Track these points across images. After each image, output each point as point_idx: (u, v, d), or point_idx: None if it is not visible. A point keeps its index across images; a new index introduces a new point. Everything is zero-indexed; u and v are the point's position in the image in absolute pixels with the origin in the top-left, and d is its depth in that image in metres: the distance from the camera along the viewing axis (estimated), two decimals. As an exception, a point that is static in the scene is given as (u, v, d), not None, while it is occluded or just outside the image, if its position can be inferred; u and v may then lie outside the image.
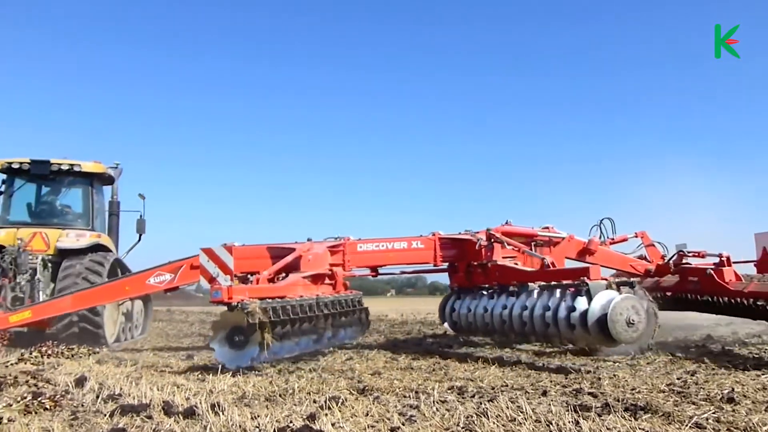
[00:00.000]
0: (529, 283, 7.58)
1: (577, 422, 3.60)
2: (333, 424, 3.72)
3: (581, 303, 6.46)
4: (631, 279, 7.08)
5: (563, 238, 9.23)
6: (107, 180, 11.94)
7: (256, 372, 6.39)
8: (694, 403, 4.20)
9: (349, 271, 9.23)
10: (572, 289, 6.74)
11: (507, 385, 5.26)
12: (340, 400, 4.40)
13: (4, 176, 11.14)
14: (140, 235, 12.48)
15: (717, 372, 5.92)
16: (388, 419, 3.88)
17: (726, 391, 4.52)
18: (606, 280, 6.60)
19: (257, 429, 3.68)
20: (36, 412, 4.13)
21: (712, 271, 7.82)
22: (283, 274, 8.28)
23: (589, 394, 4.69)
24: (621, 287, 6.54)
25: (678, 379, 5.46)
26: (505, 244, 8.71)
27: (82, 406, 4.48)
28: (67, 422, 3.99)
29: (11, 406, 4.16)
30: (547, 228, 9.48)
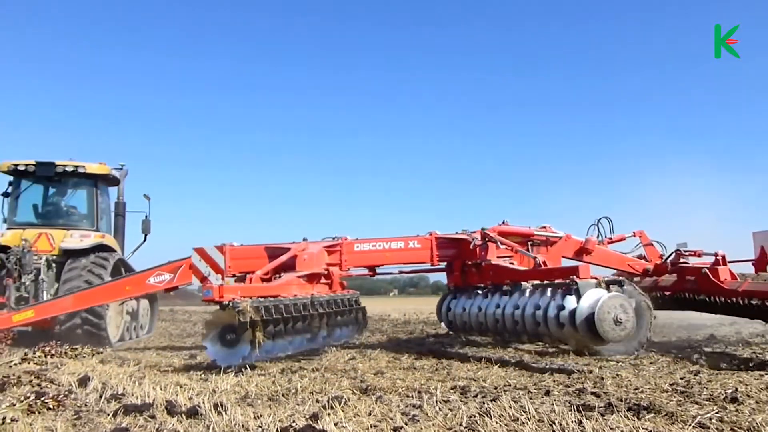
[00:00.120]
0: (522, 283, 7.61)
1: (580, 422, 3.59)
2: (336, 424, 3.72)
3: (570, 302, 6.47)
4: (620, 278, 7.05)
5: (560, 238, 9.21)
6: (112, 181, 12.07)
7: (259, 372, 6.40)
8: (697, 403, 4.19)
9: (346, 270, 9.29)
10: (562, 288, 6.76)
11: (510, 385, 5.26)
12: (343, 400, 4.40)
13: (11, 178, 11.30)
14: (145, 236, 12.65)
15: (720, 372, 5.91)
16: (391, 419, 3.88)
17: (729, 391, 4.51)
18: (595, 278, 6.58)
19: (260, 429, 3.68)
20: (39, 412, 4.13)
21: (707, 270, 7.82)
22: (280, 274, 8.32)
23: (592, 393, 4.68)
24: (610, 286, 6.53)
25: (681, 378, 5.45)
26: (499, 243, 8.71)
27: (86, 405, 4.49)
28: (70, 422, 4.00)
29: (14, 405, 4.16)
30: (544, 227, 9.47)
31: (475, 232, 9.09)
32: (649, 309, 7.72)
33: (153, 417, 4.08)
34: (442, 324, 9.75)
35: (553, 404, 4.17)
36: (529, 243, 9.27)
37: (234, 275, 8.79)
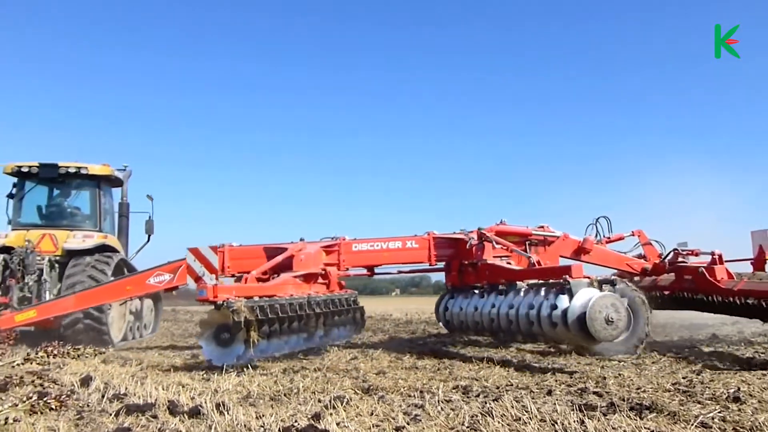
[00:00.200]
0: (518, 282, 7.63)
1: (583, 421, 3.59)
2: (338, 424, 3.72)
3: (563, 301, 6.48)
4: (613, 277, 7.04)
5: (557, 237, 9.21)
6: (115, 182, 12.19)
7: (261, 371, 6.40)
8: (699, 403, 4.18)
9: (344, 270, 9.33)
10: (555, 288, 6.77)
11: (512, 385, 5.25)
12: (345, 400, 4.40)
13: (15, 179, 11.43)
14: (149, 236, 12.76)
15: (723, 371, 5.91)
16: (393, 419, 3.88)
17: (732, 391, 4.50)
18: (588, 278, 6.58)
19: (262, 428, 3.68)
20: (42, 413, 4.14)
21: (704, 270, 7.81)
22: (279, 274, 8.36)
23: (594, 393, 4.68)
24: (603, 285, 6.53)
25: (683, 378, 5.45)
26: (494, 243, 8.71)
27: (88, 405, 4.50)
28: (72, 422, 4.01)
29: (17, 406, 4.17)
30: (542, 227, 9.47)
31: (472, 231, 9.11)
32: (646, 308, 7.71)
33: (155, 417, 4.08)
34: (440, 323, 9.78)
35: (555, 404, 4.16)
36: (527, 243, 9.28)
37: (233, 275, 8.83)
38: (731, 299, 7.55)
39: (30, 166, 11.14)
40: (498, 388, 5.09)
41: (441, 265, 9.59)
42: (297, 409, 4.23)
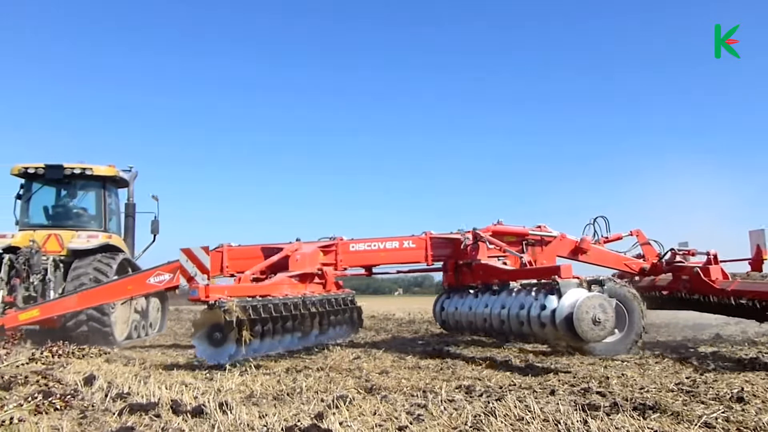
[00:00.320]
0: (511, 282, 7.64)
1: (586, 421, 3.59)
2: (341, 423, 3.73)
3: (552, 301, 6.48)
4: (602, 278, 7.03)
5: (555, 237, 9.20)
6: (120, 183, 12.31)
7: (264, 371, 6.41)
8: (703, 403, 4.17)
9: (342, 270, 9.37)
10: (545, 288, 6.77)
11: (515, 385, 5.25)
12: (348, 399, 4.40)
13: (22, 181, 11.57)
14: (155, 236, 12.91)
15: (726, 371, 5.89)
16: (396, 418, 3.88)
17: (735, 391, 4.49)
18: (578, 278, 6.57)
19: (265, 428, 3.69)
20: (46, 412, 4.15)
21: (698, 270, 7.79)
22: (276, 274, 8.44)
23: (598, 393, 4.67)
24: (592, 286, 6.52)
25: (687, 378, 5.44)
26: (488, 243, 8.71)
27: (93, 405, 4.50)
28: (76, 421, 4.02)
29: (22, 405, 4.18)
30: (540, 227, 9.46)
31: (468, 232, 9.13)
32: (641, 307, 7.71)
33: (158, 416, 4.09)
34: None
35: (558, 404, 4.16)
36: (524, 242, 9.28)
37: (232, 275, 8.89)
38: (726, 299, 7.54)
39: (36, 168, 11.28)
40: (501, 387, 5.09)
41: (439, 265, 9.62)
42: (300, 409, 4.23)
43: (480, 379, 5.66)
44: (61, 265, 10.47)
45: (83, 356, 7.80)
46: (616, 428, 3.48)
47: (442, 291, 9.56)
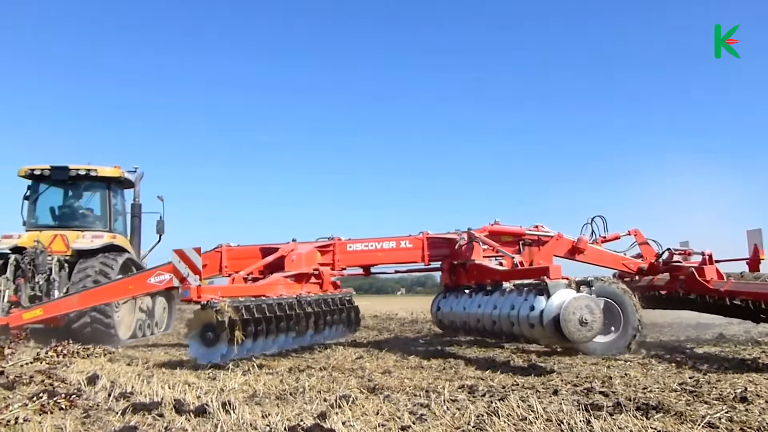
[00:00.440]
0: (504, 283, 7.65)
1: (589, 421, 3.58)
2: (344, 423, 3.73)
3: (540, 302, 6.49)
4: (590, 278, 7.02)
5: (551, 237, 9.18)
6: (125, 183, 12.44)
7: (267, 370, 6.42)
8: (706, 403, 4.17)
9: (339, 270, 9.41)
10: (535, 289, 6.78)
11: (517, 384, 5.25)
12: (351, 399, 4.41)
13: (29, 182, 11.73)
14: (160, 236, 13.03)
15: (729, 371, 5.88)
16: (399, 418, 3.89)
17: (739, 391, 4.48)
18: (567, 279, 6.57)
19: (268, 427, 3.69)
20: (51, 412, 4.16)
21: (693, 270, 7.77)
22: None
23: (601, 393, 4.67)
24: (580, 286, 6.52)
25: (690, 378, 5.43)
26: (481, 243, 8.71)
27: (97, 405, 4.51)
28: (79, 420, 4.03)
29: (27, 405, 4.19)
30: (537, 227, 9.45)
31: (464, 232, 9.14)
32: (633, 302, 7.70)
33: (161, 415, 4.10)
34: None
35: (561, 404, 4.16)
36: (521, 242, 9.27)
37: (230, 275, 8.95)
38: (721, 299, 7.52)
39: (42, 169, 11.45)
40: (504, 387, 5.09)
41: (436, 265, 9.65)
42: (303, 408, 4.24)
43: (483, 379, 5.66)
44: (66, 265, 10.62)
45: (88, 356, 7.82)
46: (619, 428, 3.48)
47: (440, 291, 9.59)
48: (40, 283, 10.19)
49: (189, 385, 5.30)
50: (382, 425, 3.74)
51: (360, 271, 10.02)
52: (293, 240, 9.49)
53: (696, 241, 9.17)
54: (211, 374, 6.18)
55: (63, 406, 4.25)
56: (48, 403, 4.23)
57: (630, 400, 4.19)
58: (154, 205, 13.09)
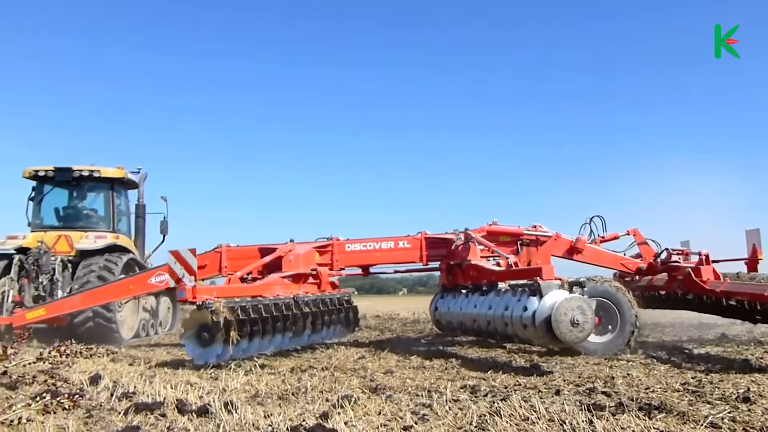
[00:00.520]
0: (500, 283, 7.65)
1: (591, 421, 3.58)
2: (346, 423, 3.73)
3: (533, 303, 6.49)
4: (582, 279, 7.02)
5: (549, 237, 9.17)
6: (128, 184, 12.51)
7: (269, 370, 6.43)
8: (709, 403, 4.16)
9: (337, 270, 9.44)
10: (529, 289, 6.78)
11: (520, 384, 5.25)
12: (353, 399, 4.41)
13: (34, 183, 11.80)
14: (164, 236, 13.10)
15: (732, 371, 5.87)
16: (401, 418, 3.88)
17: (741, 391, 4.48)
18: (560, 279, 6.57)
19: (270, 427, 3.70)
20: (54, 412, 4.17)
21: (690, 270, 7.76)
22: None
23: (603, 393, 4.67)
24: (573, 287, 6.51)
25: (692, 378, 5.42)
26: (476, 243, 8.71)
27: (100, 405, 4.52)
28: (81, 420, 4.03)
29: (30, 405, 4.20)
30: (535, 227, 9.44)
31: (461, 232, 9.14)
32: (627, 298, 7.69)
33: (163, 415, 4.11)
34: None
35: (563, 404, 4.15)
36: (519, 242, 9.27)
37: (229, 275, 8.99)
38: (718, 300, 7.50)
39: (46, 170, 11.54)
40: (506, 387, 5.09)
41: (435, 264, 9.66)
42: (305, 408, 4.24)
43: (485, 379, 5.66)
44: (70, 265, 10.69)
45: (90, 355, 7.85)
46: (622, 428, 3.47)
47: (438, 291, 9.61)
48: (44, 283, 10.27)
49: (191, 385, 5.30)
50: (384, 425, 3.74)
51: (359, 271, 10.05)
52: (291, 240, 9.53)
53: (696, 241, 9.17)
54: (213, 374, 6.18)
55: (66, 406, 4.26)
56: (51, 403, 4.25)
57: (632, 400, 4.19)
58: (159, 206, 13.14)
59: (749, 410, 3.89)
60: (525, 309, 6.55)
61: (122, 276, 10.30)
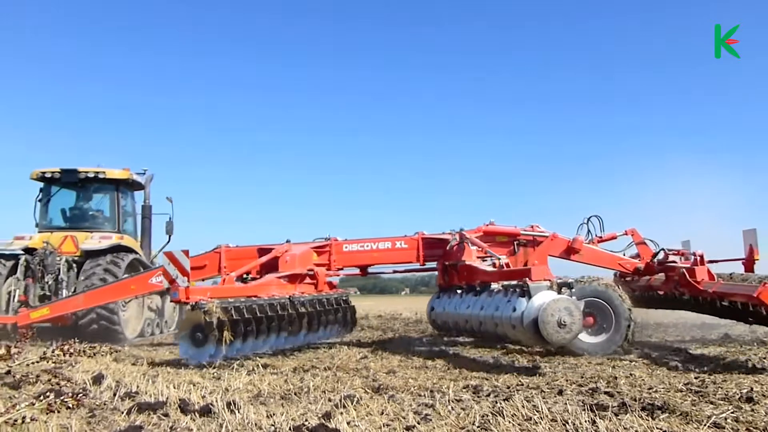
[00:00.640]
0: (492, 284, 7.65)
1: (594, 421, 3.58)
2: (348, 423, 3.73)
3: (521, 304, 6.50)
4: (570, 280, 7.00)
5: (546, 237, 9.15)
6: (134, 185, 12.61)
7: (272, 370, 6.43)
8: (712, 403, 4.16)
9: (335, 270, 9.47)
10: (519, 290, 6.79)
11: (522, 384, 5.24)
12: (356, 399, 4.41)
13: (41, 185, 11.93)
14: (169, 236, 13.13)
15: (735, 371, 5.86)
16: (404, 418, 3.88)
17: (745, 391, 4.47)
18: (549, 280, 6.56)
19: (273, 427, 3.70)
20: (58, 411, 4.18)
21: (684, 271, 7.74)
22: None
23: (606, 393, 4.66)
24: (561, 288, 6.51)
25: (695, 378, 5.41)
26: (470, 244, 8.70)
27: (103, 405, 4.52)
28: (84, 419, 4.04)
29: (33, 405, 4.21)
30: (532, 227, 9.42)
31: (456, 232, 9.15)
32: (619, 293, 7.69)
33: (166, 415, 4.11)
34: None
35: (566, 404, 4.15)
36: (516, 243, 9.26)
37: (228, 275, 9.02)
38: (712, 300, 7.49)
39: (52, 172, 11.69)
40: (508, 387, 5.08)
41: (432, 265, 9.69)
42: (307, 408, 4.24)
43: (487, 379, 5.66)
44: (75, 265, 10.80)
45: (94, 355, 7.87)
46: (625, 428, 3.47)
47: (436, 291, 9.63)
48: (49, 283, 10.39)
49: (194, 385, 5.31)
50: (387, 425, 3.74)
51: (357, 271, 10.07)
52: (287, 241, 9.57)
53: (697, 241, 9.16)
54: (216, 374, 6.19)
55: (70, 405, 4.26)
56: (55, 403, 4.25)
57: (635, 400, 4.18)
58: (165, 207, 13.21)
59: (752, 410, 3.89)
60: (514, 310, 6.58)
61: (126, 276, 10.36)
